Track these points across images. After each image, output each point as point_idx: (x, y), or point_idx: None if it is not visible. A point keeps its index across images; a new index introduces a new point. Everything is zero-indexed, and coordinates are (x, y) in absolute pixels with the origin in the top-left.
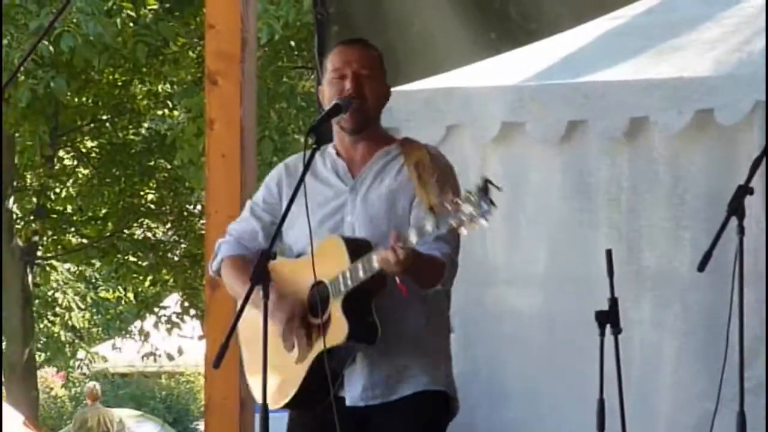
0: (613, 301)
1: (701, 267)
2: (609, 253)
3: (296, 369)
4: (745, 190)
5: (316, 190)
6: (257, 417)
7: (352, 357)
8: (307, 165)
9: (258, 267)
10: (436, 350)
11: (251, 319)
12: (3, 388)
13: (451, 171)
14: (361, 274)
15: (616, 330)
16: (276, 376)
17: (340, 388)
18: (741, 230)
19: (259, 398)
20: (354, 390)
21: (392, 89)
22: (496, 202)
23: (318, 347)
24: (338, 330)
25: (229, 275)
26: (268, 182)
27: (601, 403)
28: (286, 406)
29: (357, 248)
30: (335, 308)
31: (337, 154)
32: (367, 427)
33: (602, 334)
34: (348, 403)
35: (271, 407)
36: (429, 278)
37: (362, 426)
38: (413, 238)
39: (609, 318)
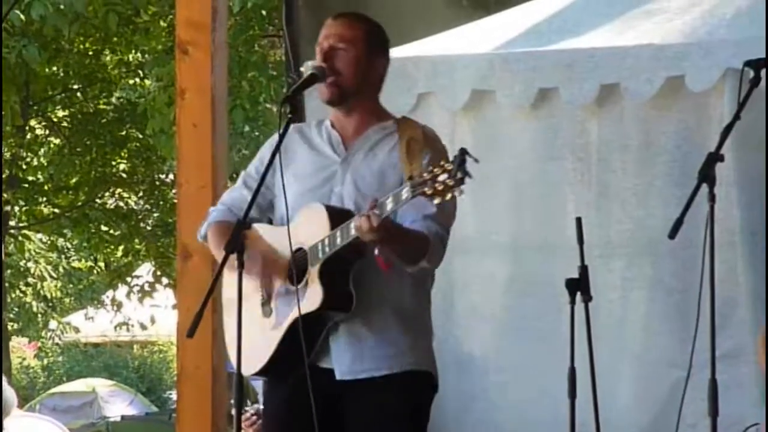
0: (584, 269)
1: (672, 234)
2: (579, 221)
3: (272, 335)
4: (715, 157)
5: (308, 159)
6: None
7: (332, 324)
8: (282, 135)
9: (233, 236)
10: (420, 328)
11: (233, 283)
12: None
13: (443, 153)
14: (338, 240)
15: (587, 297)
16: (253, 342)
17: (325, 359)
18: (712, 197)
19: (244, 368)
20: (343, 363)
21: None
22: (472, 173)
23: (294, 313)
24: (313, 296)
25: (212, 240)
26: (262, 153)
27: (572, 371)
28: (260, 372)
29: (338, 216)
30: (312, 275)
31: (332, 125)
32: (352, 402)
33: (572, 302)
34: (338, 376)
35: (245, 373)
36: (411, 253)
37: (341, 398)
38: (389, 205)
39: (579, 286)
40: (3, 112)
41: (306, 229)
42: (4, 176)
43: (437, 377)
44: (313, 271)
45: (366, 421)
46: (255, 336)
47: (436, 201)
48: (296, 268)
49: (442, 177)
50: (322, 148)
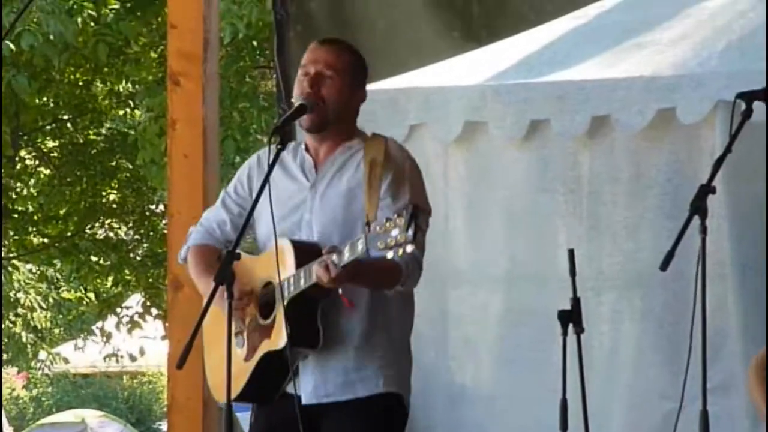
0: (576, 301)
1: (664, 266)
2: (571, 252)
3: (245, 366)
4: (707, 189)
5: (283, 185)
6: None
7: (302, 358)
8: (272, 166)
9: (222, 267)
10: (389, 353)
11: (213, 314)
12: None
13: (408, 168)
14: (302, 282)
15: (579, 329)
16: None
17: (295, 384)
18: (704, 229)
19: (214, 395)
20: (307, 387)
21: None
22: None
23: (263, 348)
24: (279, 335)
25: (192, 264)
26: (240, 174)
27: (564, 402)
28: (236, 400)
29: (304, 254)
30: (279, 312)
31: (306, 149)
32: (322, 425)
33: (564, 334)
34: (303, 401)
35: (220, 401)
36: (380, 284)
37: (317, 423)
38: (347, 254)
39: (571, 317)
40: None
41: (276, 262)
42: None
43: (407, 398)
44: (280, 308)
45: None
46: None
47: (389, 255)
48: (266, 302)
49: (394, 233)
50: (295, 174)
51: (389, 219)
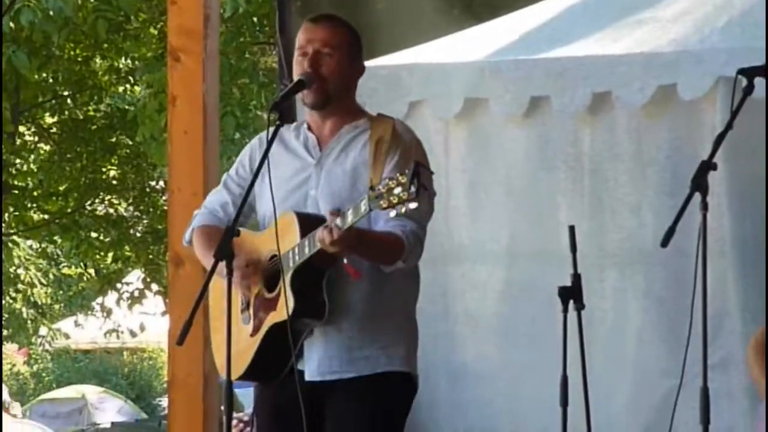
0: (576, 277)
1: (664, 242)
2: (572, 229)
3: (251, 342)
4: (708, 165)
5: (285, 163)
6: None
7: (308, 331)
8: (270, 141)
9: (222, 243)
10: (394, 329)
11: (218, 289)
12: None
13: (415, 147)
14: (306, 250)
15: (579, 306)
16: (234, 348)
17: (299, 361)
18: (704, 206)
19: (221, 372)
20: (311, 364)
21: None
22: (428, 185)
23: (269, 321)
24: (284, 306)
25: (198, 245)
26: (242, 156)
27: (565, 379)
28: (241, 378)
29: (309, 224)
30: (285, 283)
31: (309, 128)
32: (326, 404)
33: (565, 310)
34: (306, 377)
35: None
36: (383, 257)
37: (322, 402)
38: (350, 216)
39: (572, 294)
40: None
41: (281, 235)
42: None
43: (416, 377)
44: (286, 280)
45: (339, 422)
46: (236, 342)
47: (392, 214)
48: (271, 275)
49: (397, 190)
50: (299, 151)
51: (392, 178)
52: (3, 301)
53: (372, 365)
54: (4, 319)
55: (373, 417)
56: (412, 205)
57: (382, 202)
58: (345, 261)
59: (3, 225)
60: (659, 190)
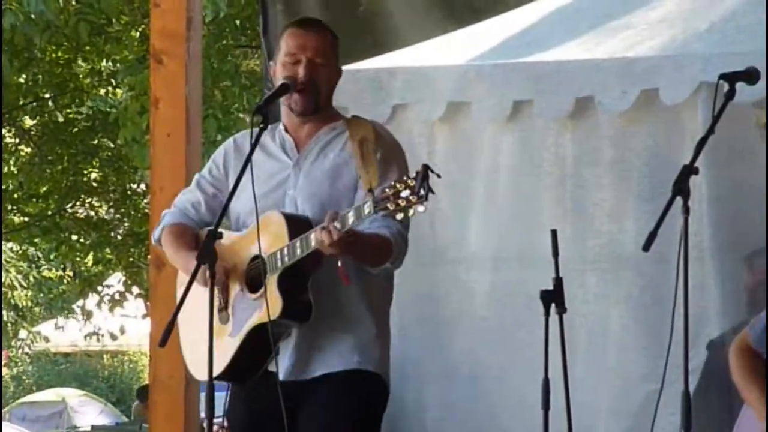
0: (558, 281)
1: (646, 246)
2: (554, 233)
3: (230, 342)
4: (690, 170)
5: (263, 164)
6: (202, 395)
7: (287, 333)
8: (254, 144)
9: (204, 247)
10: (369, 330)
11: (192, 290)
12: None
13: (396, 149)
14: (298, 251)
15: (561, 309)
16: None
17: (273, 363)
18: (686, 210)
19: (192, 372)
20: (284, 364)
21: None
22: (445, 185)
23: (252, 322)
24: (273, 306)
25: (168, 243)
26: (216, 157)
27: (546, 382)
28: (218, 378)
29: (297, 225)
30: (271, 284)
31: (286, 130)
32: (300, 403)
33: (547, 314)
34: (280, 377)
35: (200, 378)
36: (374, 259)
37: (295, 401)
38: (351, 219)
39: (554, 297)
40: None
41: (265, 236)
42: None
43: (387, 380)
44: (272, 280)
45: (314, 419)
46: (207, 342)
47: (399, 216)
48: (253, 276)
49: (405, 193)
50: (276, 153)
51: (398, 181)
52: None
53: (345, 361)
54: None
55: (349, 409)
56: (420, 209)
57: (389, 204)
58: (339, 265)
59: None
60: (640, 196)
